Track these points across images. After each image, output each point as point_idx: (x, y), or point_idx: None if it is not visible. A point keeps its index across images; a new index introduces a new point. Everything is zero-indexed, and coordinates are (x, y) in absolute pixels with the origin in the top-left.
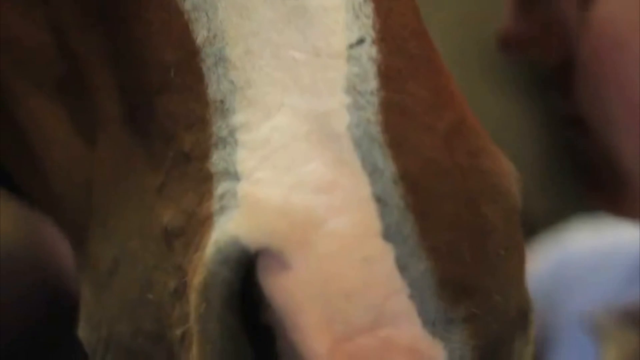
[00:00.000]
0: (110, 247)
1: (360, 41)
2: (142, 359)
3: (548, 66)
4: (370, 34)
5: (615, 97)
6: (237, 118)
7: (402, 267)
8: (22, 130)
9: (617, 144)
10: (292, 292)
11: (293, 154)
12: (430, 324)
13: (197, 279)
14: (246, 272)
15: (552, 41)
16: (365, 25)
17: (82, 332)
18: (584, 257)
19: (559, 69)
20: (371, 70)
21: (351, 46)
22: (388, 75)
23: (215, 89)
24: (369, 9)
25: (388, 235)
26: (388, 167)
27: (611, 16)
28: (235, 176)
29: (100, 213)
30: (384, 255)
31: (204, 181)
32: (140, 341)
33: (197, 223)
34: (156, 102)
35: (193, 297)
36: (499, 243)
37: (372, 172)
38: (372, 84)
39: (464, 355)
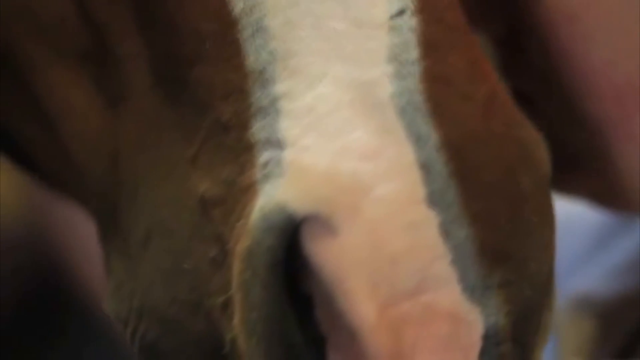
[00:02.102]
0: (141, 218)
1: (401, 12)
2: (177, 328)
3: (491, 39)
4: (409, 6)
5: (568, 72)
6: (279, 88)
7: (445, 233)
8: (39, 100)
9: (568, 119)
10: (339, 258)
11: (338, 122)
12: (470, 290)
13: (241, 246)
14: (288, 239)
15: (494, 14)
16: None
17: (111, 303)
18: None
19: (503, 42)
20: (412, 40)
21: (392, 17)
22: (428, 45)
23: (253, 59)
24: None
25: (432, 201)
26: (431, 134)
27: None
28: (278, 144)
29: (129, 184)
30: (428, 221)
31: (244, 151)
32: (176, 310)
33: (238, 192)
34: (190, 72)
35: (236, 264)
36: (533, 210)
37: (416, 140)
38: (413, 53)
39: (498, 321)
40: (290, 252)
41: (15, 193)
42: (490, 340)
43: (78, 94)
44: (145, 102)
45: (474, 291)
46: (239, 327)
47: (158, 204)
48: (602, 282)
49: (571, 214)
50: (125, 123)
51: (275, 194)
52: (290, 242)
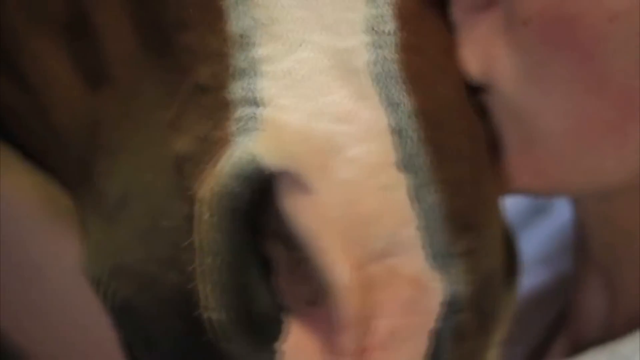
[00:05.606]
0: (119, 181)
1: None
2: (152, 283)
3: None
4: None
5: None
6: (259, 51)
7: (414, 197)
8: (21, 69)
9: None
10: (313, 215)
11: (315, 85)
12: (433, 257)
13: (204, 190)
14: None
15: None
16: None
17: (86, 267)
18: None
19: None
20: (388, 12)
21: None
22: (404, 18)
23: (235, 24)
24: None
25: (403, 165)
26: (405, 101)
27: None
28: (255, 102)
29: (108, 150)
30: (398, 185)
31: (219, 108)
32: (152, 266)
33: (209, 145)
34: (172, 39)
35: (199, 207)
36: (490, 179)
37: (390, 106)
38: (390, 25)
39: (459, 289)
40: (256, 213)
41: None
42: (450, 307)
43: (59, 64)
44: (125, 70)
45: (437, 258)
46: (198, 273)
47: (136, 167)
48: None
49: None
50: (105, 92)
51: (249, 145)
52: (257, 197)
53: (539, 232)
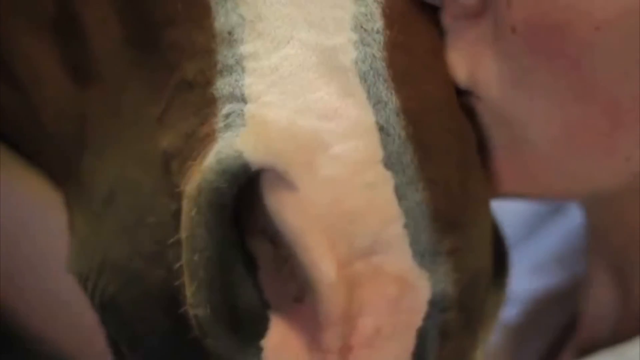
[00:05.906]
0: (105, 177)
1: None
2: (138, 279)
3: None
4: None
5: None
6: (246, 48)
7: (400, 195)
8: (14, 69)
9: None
10: (299, 212)
11: (301, 82)
12: (420, 255)
13: (191, 186)
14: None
15: None
16: None
17: (73, 264)
18: None
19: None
20: (376, 11)
21: None
22: (392, 16)
23: (223, 21)
24: None
25: (389, 163)
26: (391, 99)
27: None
28: (242, 99)
29: (95, 145)
30: (384, 182)
31: (206, 105)
32: (138, 262)
33: (195, 141)
34: (160, 35)
35: (185, 203)
36: (477, 179)
37: (376, 103)
38: (378, 23)
39: (446, 288)
40: (243, 210)
41: None
42: (436, 306)
43: (49, 62)
44: (113, 67)
45: (424, 256)
46: (184, 270)
47: (123, 163)
48: (528, 277)
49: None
50: (93, 89)
51: (234, 141)
52: (243, 193)
53: (554, 231)
